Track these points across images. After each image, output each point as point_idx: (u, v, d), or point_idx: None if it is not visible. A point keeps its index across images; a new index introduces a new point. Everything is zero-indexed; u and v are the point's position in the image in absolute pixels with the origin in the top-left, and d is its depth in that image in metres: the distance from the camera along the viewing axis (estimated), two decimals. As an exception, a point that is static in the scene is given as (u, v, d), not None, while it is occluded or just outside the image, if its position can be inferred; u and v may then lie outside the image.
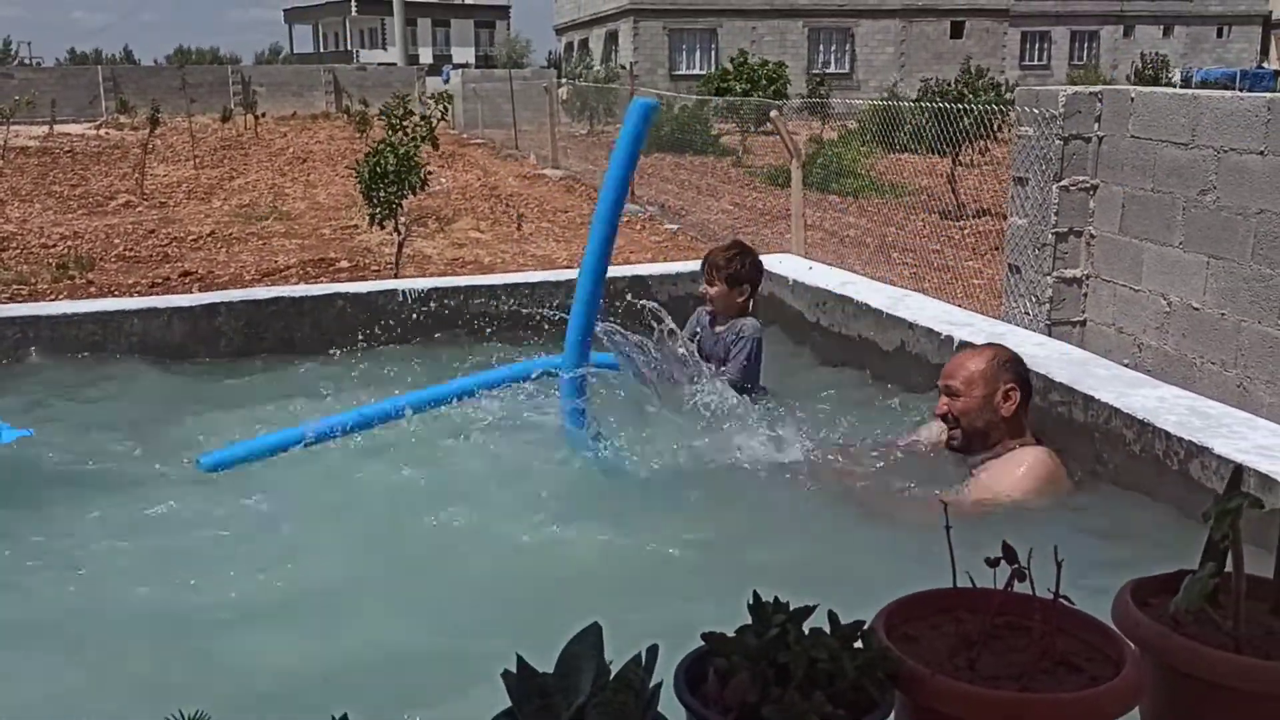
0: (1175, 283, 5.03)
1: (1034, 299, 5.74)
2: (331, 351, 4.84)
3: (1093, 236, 5.56)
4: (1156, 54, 43.11)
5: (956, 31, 44.70)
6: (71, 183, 18.21)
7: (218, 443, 3.82)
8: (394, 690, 2.25)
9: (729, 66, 31.25)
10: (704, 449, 3.66)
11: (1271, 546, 1.64)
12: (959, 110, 11.47)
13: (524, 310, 5.12)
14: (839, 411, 4.14)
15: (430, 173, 10.03)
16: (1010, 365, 3.39)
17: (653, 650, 1.33)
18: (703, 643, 1.40)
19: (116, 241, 12.45)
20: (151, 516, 3.24)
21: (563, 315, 3.87)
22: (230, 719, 1.43)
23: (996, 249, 8.94)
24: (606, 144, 24.63)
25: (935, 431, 3.58)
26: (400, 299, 5.12)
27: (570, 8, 51.03)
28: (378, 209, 9.38)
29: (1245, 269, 4.63)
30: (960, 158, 13.15)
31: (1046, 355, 3.75)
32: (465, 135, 29.59)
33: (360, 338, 4.96)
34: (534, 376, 4.15)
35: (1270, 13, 51.54)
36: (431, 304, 5.14)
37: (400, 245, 9.85)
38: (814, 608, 1.41)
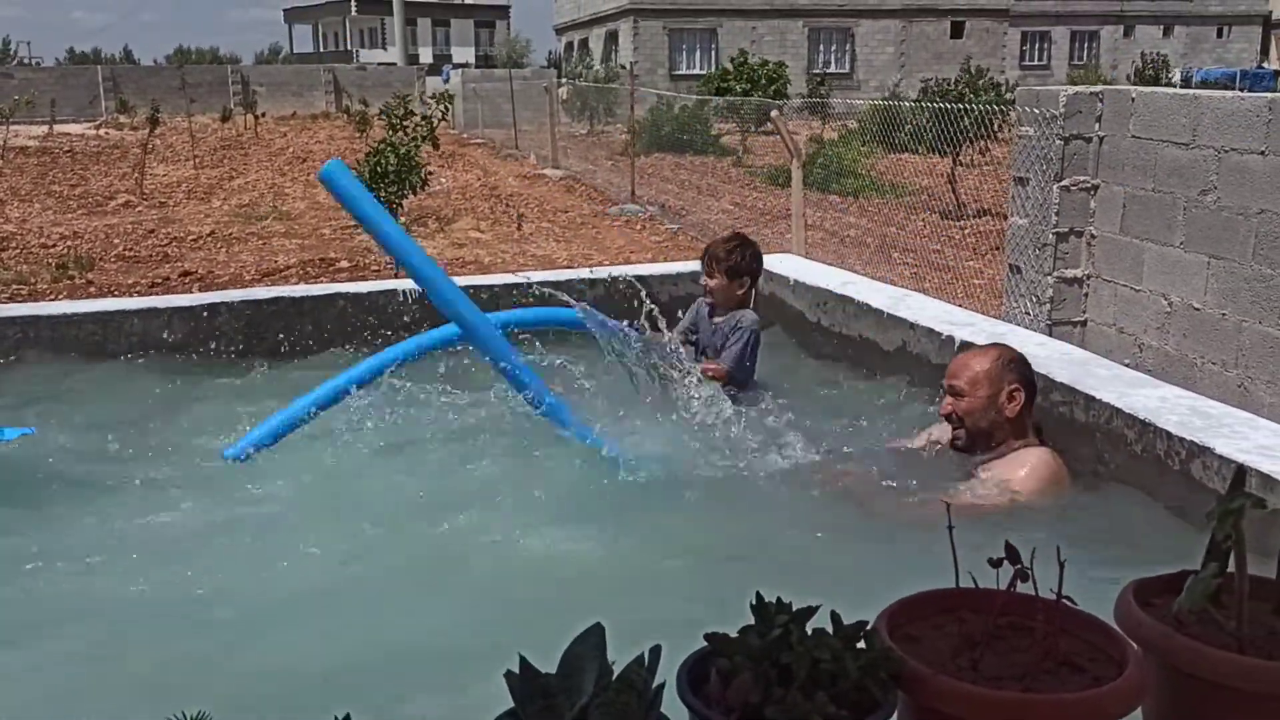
0: (1176, 283, 5.03)
1: (1035, 299, 5.74)
2: (332, 351, 4.84)
3: (1093, 236, 5.56)
4: (1156, 54, 43.10)
5: (956, 31, 44.70)
6: (71, 183, 18.20)
7: (218, 443, 3.82)
8: (396, 690, 2.25)
9: (729, 66, 31.23)
10: (704, 449, 3.66)
11: (1271, 550, 1.64)
12: (959, 110, 11.47)
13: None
14: (840, 412, 4.14)
15: (430, 173, 10.03)
16: (1015, 366, 3.38)
17: (655, 651, 1.33)
18: (705, 643, 1.40)
19: (116, 241, 12.45)
20: (152, 516, 3.24)
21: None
22: (231, 719, 1.43)
23: (997, 249, 8.94)
24: (607, 144, 24.68)
25: (940, 433, 3.58)
26: (400, 299, 5.12)
27: (570, 8, 51.03)
28: (378, 209, 9.36)
29: (1246, 269, 4.63)
30: (960, 157, 13.15)
31: (1047, 355, 3.75)
32: (465, 135, 29.59)
33: (365, 335, 4.96)
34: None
35: (1270, 13, 51.54)
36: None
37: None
38: (817, 608, 1.41)
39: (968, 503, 3.17)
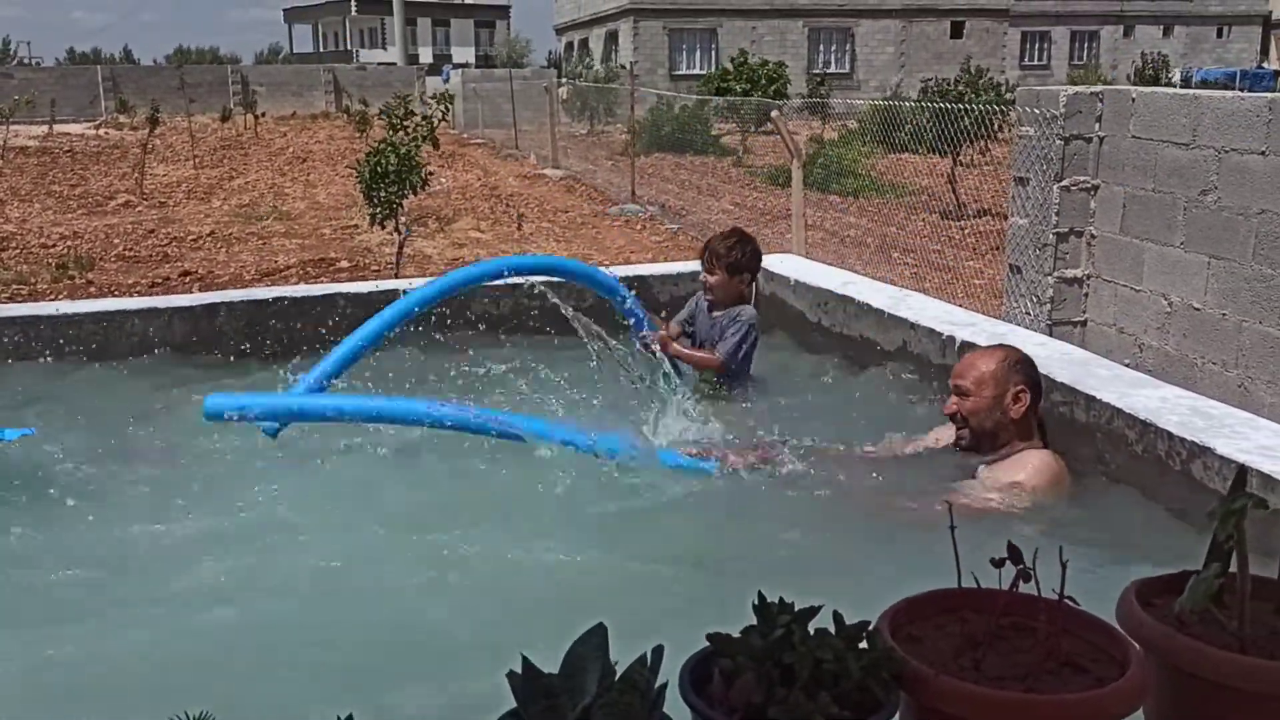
0: (1176, 283, 5.03)
1: (1035, 299, 5.74)
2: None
3: (1094, 237, 5.56)
4: (1157, 54, 43.15)
5: (956, 31, 44.70)
6: (71, 183, 18.21)
7: (218, 443, 3.81)
8: (398, 691, 2.25)
9: (729, 66, 31.24)
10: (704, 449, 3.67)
11: (1272, 550, 1.64)
12: (959, 110, 11.47)
13: (525, 310, 5.12)
14: (841, 412, 4.14)
15: (431, 173, 10.03)
16: (1021, 367, 3.39)
17: (658, 651, 1.33)
18: (708, 643, 1.40)
19: (116, 241, 12.45)
20: (152, 516, 3.24)
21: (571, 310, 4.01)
22: (231, 719, 1.43)
23: (997, 249, 8.94)
24: (607, 144, 24.68)
25: (944, 433, 3.58)
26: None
27: (570, 8, 51.03)
28: (378, 209, 9.38)
29: (1246, 269, 4.63)
30: (960, 157, 13.15)
31: (1048, 355, 3.75)
32: (465, 135, 29.60)
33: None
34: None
35: (1270, 13, 51.55)
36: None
37: (401, 245, 9.85)
38: (819, 608, 1.41)
39: (969, 503, 3.17)
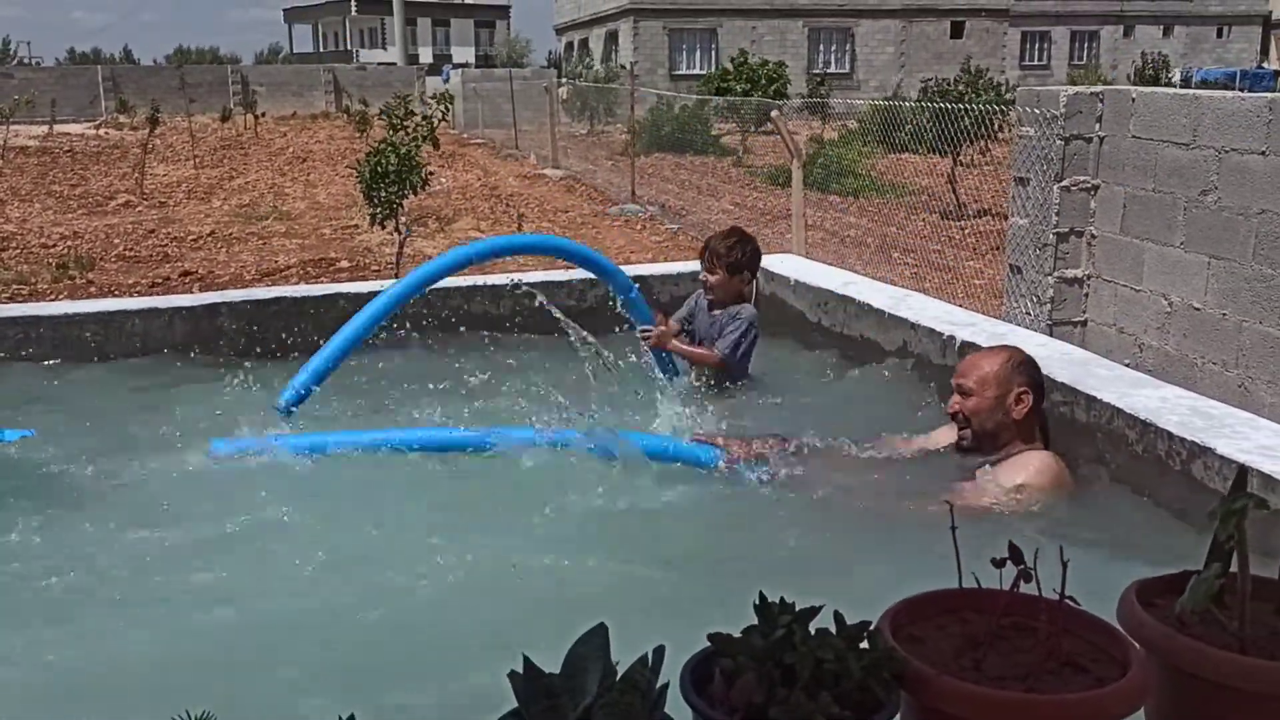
0: (1176, 283, 5.03)
1: (1035, 299, 5.74)
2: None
3: (1094, 237, 5.56)
4: (1157, 54, 43.12)
5: (956, 31, 44.70)
6: (71, 183, 18.21)
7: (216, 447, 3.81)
8: (398, 691, 2.25)
9: (729, 66, 31.26)
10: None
11: (1273, 550, 1.64)
12: (959, 110, 11.47)
13: (526, 310, 5.12)
14: (841, 412, 4.14)
15: (431, 173, 10.03)
16: (1024, 368, 3.39)
17: (659, 651, 1.33)
18: (709, 643, 1.40)
19: (116, 241, 12.45)
20: (153, 517, 3.24)
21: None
22: (233, 719, 1.43)
23: (997, 249, 8.94)
24: (607, 144, 24.68)
25: (946, 433, 3.58)
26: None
27: (570, 8, 51.03)
28: (378, 209, 9.38)
29: (1246, 269, 4.63)
30: (961, 157, 13.15)
31: (1048, 355, 3.75)
32: (465, 135, 29.60)
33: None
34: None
35: (1270, 13, 51.55)
36: (430, 304, 5.13)
37: (401, 245, 9.85)
38: (820, 608, 1.41)
39: (970, 503, 3.17)
